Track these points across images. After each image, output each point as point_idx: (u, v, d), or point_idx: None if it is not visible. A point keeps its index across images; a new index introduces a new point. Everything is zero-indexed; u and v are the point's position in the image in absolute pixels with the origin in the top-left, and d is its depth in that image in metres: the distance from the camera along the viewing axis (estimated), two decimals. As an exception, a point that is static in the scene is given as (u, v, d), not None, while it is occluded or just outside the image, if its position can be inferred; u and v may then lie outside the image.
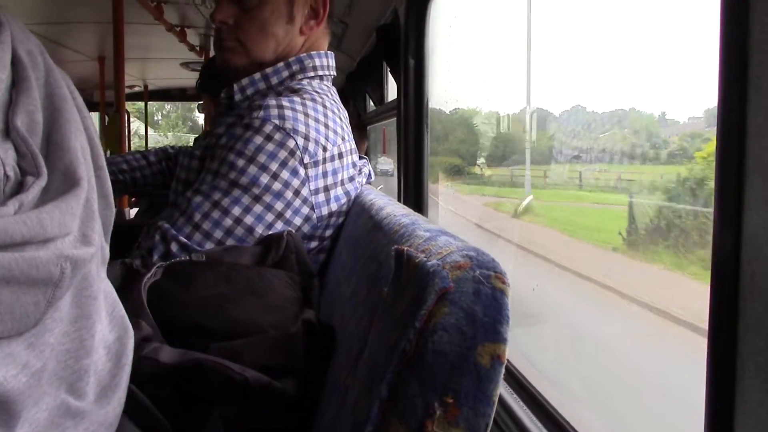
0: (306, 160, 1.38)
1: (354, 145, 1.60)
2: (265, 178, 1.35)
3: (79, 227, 0.66)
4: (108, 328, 0.74)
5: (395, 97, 2.34)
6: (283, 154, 1.36)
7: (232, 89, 1.57)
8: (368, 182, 1.76)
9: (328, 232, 1.48)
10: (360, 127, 3.05)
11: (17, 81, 0.66)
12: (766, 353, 0.59)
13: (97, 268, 0.71)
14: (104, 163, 0.75)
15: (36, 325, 0.60)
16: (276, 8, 1.56)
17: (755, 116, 0.62)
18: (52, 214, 0.60)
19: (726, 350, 0.63)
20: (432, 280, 0.60)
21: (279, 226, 1.37)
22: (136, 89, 6.68)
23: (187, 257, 1.29)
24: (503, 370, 0.57)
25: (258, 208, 1.35)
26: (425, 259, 0.64)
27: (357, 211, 1.37)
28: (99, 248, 0.69)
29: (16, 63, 0.66)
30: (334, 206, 1.45)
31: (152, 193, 2.35)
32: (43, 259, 0.58)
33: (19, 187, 0.62)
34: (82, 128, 0.72)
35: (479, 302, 0.57)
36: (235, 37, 1.58)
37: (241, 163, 1.35)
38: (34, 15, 3.60)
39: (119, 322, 0.77)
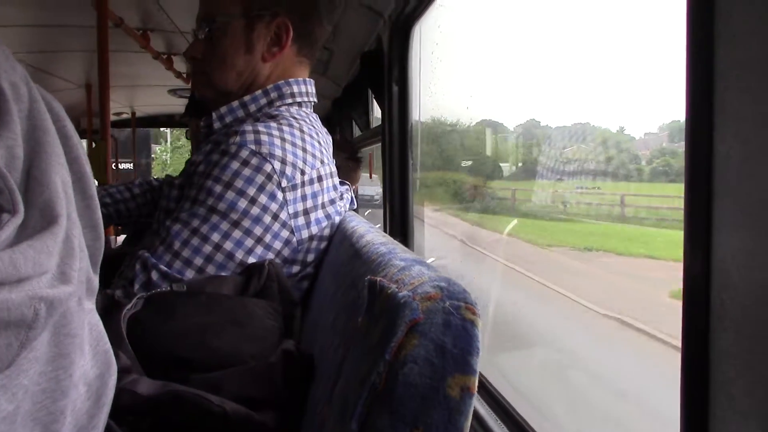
0: (284, 183, 1.38)
1: (334, 169, 1.60)
2: (243, 204, 1.35)
3: (58, 265, 0.64)
4: (90, 364, 0.73)
5: (380, 122, 2.35)
6: (260, 178, 1.36)
7: (211, 117, 1.57)
8: (352, 209, 1.76)
9: (310, 257, 1.47)
10: (354, 159, 3.05)
11: None
12: (737, 383, 0.59)
13: (79, 303, 0.69)
14: (94, 192, 0.74)
15: (9, 367, 0.59)
16: (234, 40, 1.58)
17: (721, 141, 0.62)
18: (26, 254, 0.59)
19: (698, 380, 0.63)
20: (402, 311, 0.59)
21: (259, 251, 1.36)
22: (124, 116, 6.66)
23: (169, 286, 1.28)
24: (473, 402, 0.56)
25: (237, 234, 1.35)
26: (397, 289, 0.64)
27: (339, 238, 1.37)
28: (81, 284, 0.68)
29: None
30: (314, 229, 1.45)
31: (137, 222, 2.35)
32: (16, 302, 0.56)
33: None
34: (65, 162, 0.70)
35: (449, 333, 0.57)
36: (201, 69, 1.63)
37: (218, 189, 1.35)
38: (22, 44, 3.61)
39: (102, 357, 0.76)
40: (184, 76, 4.56)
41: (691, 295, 0.65)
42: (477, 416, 1.25)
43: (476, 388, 0.57)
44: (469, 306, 0.59)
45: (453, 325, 0.58)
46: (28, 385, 0.62)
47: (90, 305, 0.73)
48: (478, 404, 1.26)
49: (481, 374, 0.59)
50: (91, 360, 0.73)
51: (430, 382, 0.56)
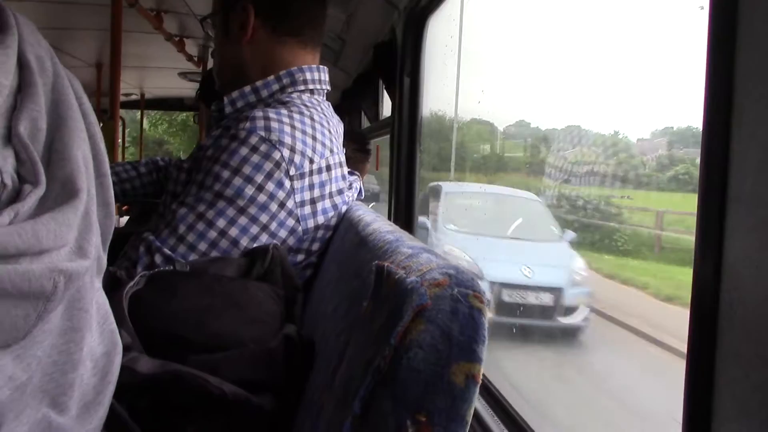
0: (292, 172, 1.38)
1: (344, 159, 1.59)
2: (250, 190, 1.34)
3: (76, 239, 0.64)
4: (97, 341, 0.73)
5: (389, 114, 2.35)
6: (268, 165, 1.35)
7: (223, 102, 1.57)
8: (359, 199, 1.75)
9: (315, 246, 1.47)
10: (364, 150, 3.04)
11: (23, 86, 0.64)
12: (743, 383, 0.59)
13: (91, 280, 0.69)
14: (108, 171, 0.74)
15: (25, 338, 0.59)
16: (218, 32, 1.67)
17: (738, 144, 0.62)
18: (48, 226, 0.59)
19: (703, 379, 0.63)
20: (409, 297, 0.59)
21: (264, 238, 1.36)
22: (133, 97, 6.66)
23: (171, 267, 1.28)
24: (477, 390, 0.56)
25: (243, 220, 1.34)
26: (405, 275, 0.64)
27: (345, 226, 1.37)
28: (95, 260, 0.68)
29: (23, 67, 0.65)
30: (321, 219, 1.44)
31: (143, 202, 2.34)
32: (36, 273, 0.57)
33: (16, 196, 0.60)
34: (86, 137, 0.70)
35: (456, 321, 0.57)
36: None
37: (226, 174, 1.35)
38: (34, 20, 3.58)
39: (108, 336, 0.76)
40: (195, 59, 4.55)
41: (700, 296, 0.65)
42: (476, 415, 1.24)
43: (481, 377, 0.56)
44: (477, 294, 0.59)
45: (460, 312, 0.57)
46: (41, 356, 0.62)
47: (98, 284, 0.73)
48: (477, 404, 1.26)
49: (484, 375, 0.59)
50: (98, 338, 0.73)
51: (435, 368, 0.55)
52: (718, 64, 0.65)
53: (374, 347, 0.60)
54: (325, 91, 1.65)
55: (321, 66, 1.63)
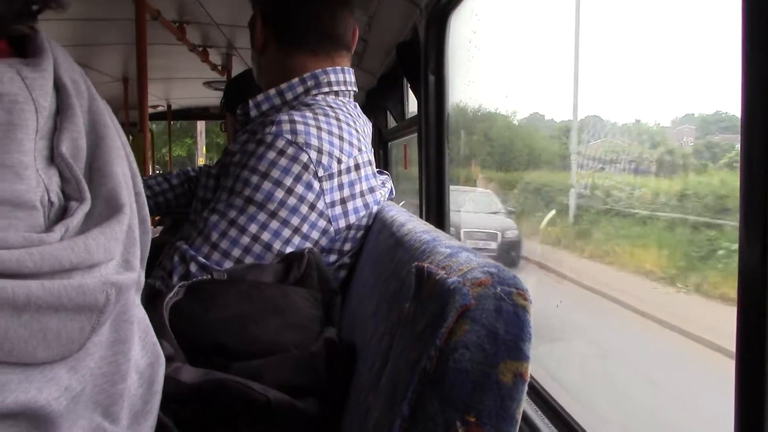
0: (320, 173, 1.38)
1: (372, 157, 1.59)
2: (279, 194, 1.35)
3: (122, 253, 0.66)
4: (140, 354, 0.75)
5: (415, 112, 2.34)
6: (296, 168, 1.36)
7: (248, 105, 1.58)
8: (390, 198, 1.75)
9: (347, 246, 1.47)
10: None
11: (62, 108, 0.66)
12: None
13: (134, 294, 0.71)
14: (142, 188, 0.76)
15: (79, 350, 0.61)
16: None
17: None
18: (97, 240, 0.61)
19: (754, 368, 0.62)
20: (452, 297, 0.59)
21: (296, 240, 1.36)
22: (160, 109, 6.73)
23: (209, 276, 1.29)
24: (526, 389, 0.56)
25: (274, 224, 1.35)
26: (446, 275, 0.64)
27: (378, 227, 1.37)
28: (139, 274, 0.70)
29: (60, 90, 0.67)
30: (352, 218, 1.45)
31: (176, 213, 2.37)
32: (90, 286, 0.58)
33: (63, 213, 0.62)
34: (124, 155, 0.72)
35: (501, 319, 0.56)
36: None
37: (255, 179, 1.36)
38: (61, 37, 3.65)
39: (151, 349, 0.78)
40: (219, 68, 4.58)
41: (747, 288, 0.64)
42: (525, 418, 1.23)
43: (528, 375, 0.56)
44: (520, 292, 0.58)
45: (505, 311, 0.57)
46: (93, 367, 0.63)
47: (138, 298, 0.74)
48: (526, 405, 1.25)
49: (531, 376, 0.58)
50: (140, 351, 0.74)
51: (482, 367, 0.55)
52: (755, 41, 0.64)
53: (419, 349, 0.60)
54: (351, 92, 1.65)
55: (347, 68, 1.63)
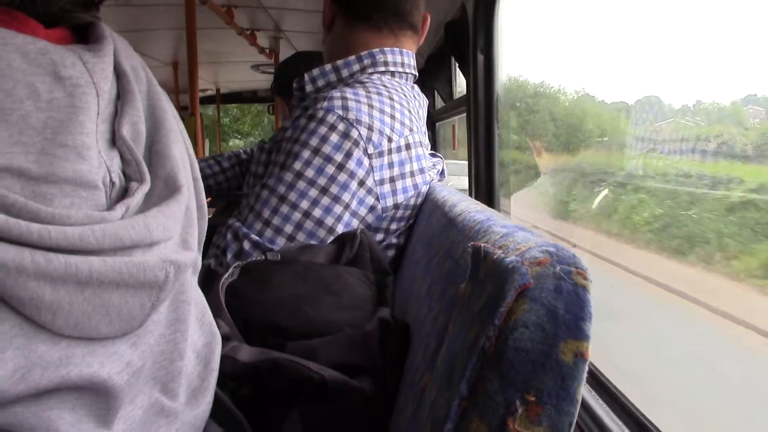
0: (370, 150, 1.39)
1: (425, 139, 1.59)
2: (330, 169, 1.36)
3: (180, 233, 0.68)
4: (197, 334, 0.77)
5: (464, 93, 2.33)
6: (347, 144, 1.37)
7: (303, 80, 1.59)
8: (441, 179, 1.75)
9: (394, 225, 1.47)
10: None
11: (122, 93, 0.69)
12: None
13: (191, 274, 0.73)
14: (199, 174, 0.78)
15: (140, 326, 0.63)
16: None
17: None
18: (156, 219, 0.63)
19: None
20: (511, 277, 0.58)
21: (346, 217, 1.37)
22: (209, 93, 6.80)
23: (261, 255, 1.30)
24: (586, 368, 0.55)
25: (326, 201, 1.36)
26: (503, 255, 0.63)
27: (429, 207, 1.37)
28: (197, 254, 0.72)
29: (120, 76, 0.69)
30: (400, 198, 1.45)
31: (227, 195, 2.40)
32: (150, 263, 0.61)
33: (124, 193, 0.65)
34: (182, 139, 0.75)
35: (560, 299, 0.56)
36: None
37: (306, 154, 1.37)
38: (111, 23, 3.70)
39: (208, 329, 0.80)
40: (267, 51, 4.60)
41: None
42: (586, 406, 1.22)
43: (589, 355, 0.56)
44: (580, 271, 0.58)
45: (564, 290, 0.56)
46: (152, 344, 0.66)
47: (195, 280, 0.76)
48: (587, 394, 1.23)
49: (590, 363, 0.57)
50: (197, 331, 0.76)
51: (542, 347, 0.55)
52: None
53: (477, 328, 0.60)
54: (410, 75, 1.64)
55: (406, 50, 1.63)
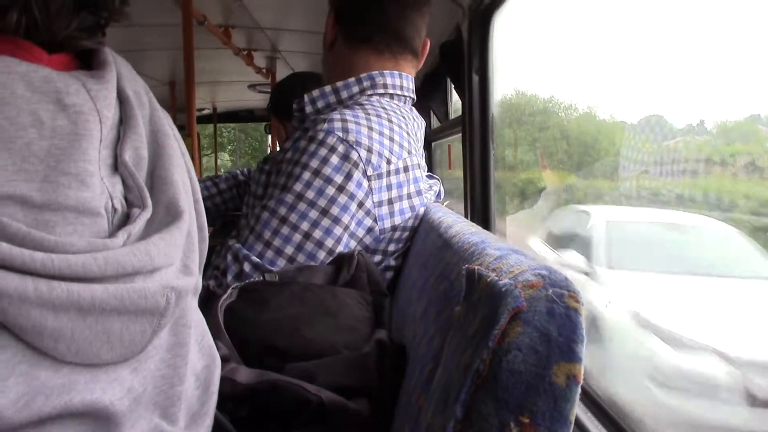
0: (369, 172, 1.40)
1: (423, 161, 1.60)
2: (330, 191, 1.37)
3: (182, 258, 0.69)
4: (197, 357, 0.77)
5: (459, 113, 2.34)
6: (347, 166, 1.38)
7: (303, 100, 1.60)
8: (437, 201, 1.76)
9: (392, 247, 1.48)
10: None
11: (124, 118, 0.69)
12: None
13: (192, 298, 0.74)
14: (200, 197, 0.79)
15: (140, 352, 0.63)
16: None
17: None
18: (158, 245, 0.64)
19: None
20: (504, 299, 0.60)
21: (345, 238, 1.38)
22: (205, 112, 6.82)
23: (260, 276, 1.31)
24: (579, 390, 0.56)
25: (326, 222, 1.37)
26: (497, 278, 0.65)
27: (425, 228, 1.38)
28: (197, 278, 0.72)
29: (123, 102, 0.70)
30: (398, 219, 1.46)
31: (224, 215, 2.41)
32: (152, 290, 0.61)
33: (126, 219, 0.65)
34: (183, 163, 0.76)
35: (553, 321, 0.57)
36: None
37: (306, 176, 1.38)
38: (108, 43, 3.72)
39: (207, 351, 0.80)
40: (264, 71, 4.63)
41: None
42: (580, 426, 1.23)
43: (582, 377, 0.57)
44: (572, 294, 0.59)
45: (557, 313, 0.58)
46: (153, 369, 0.66)
47: (195, 303, 0.77)
48: (579, 411, 1.24)
49: (584, 383, 0.59)
50: (197, 353, 0.77)
51: (535, 369, 0.56)
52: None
53: (471, 350, 0.61)
54: (408, 98, 1.66)
55: (405, 74, 1.64)
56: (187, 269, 0.70)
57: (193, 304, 0.76)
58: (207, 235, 0.81)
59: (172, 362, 0.70)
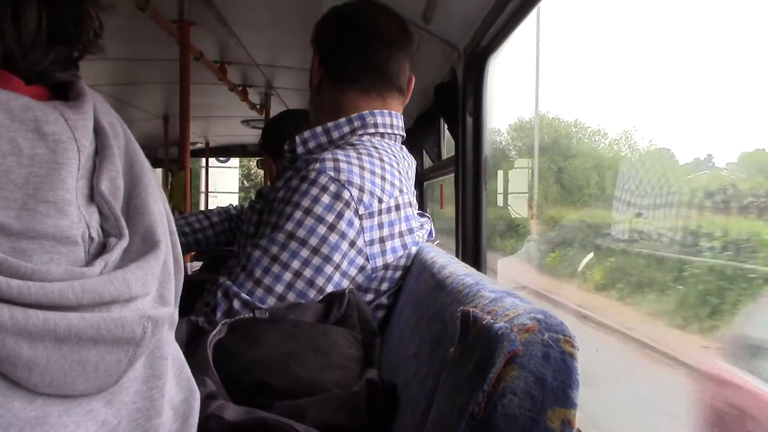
0: (361, 211, 1.40)
1: (414, 199, 1.61)
2: (321, 230, 1.37)
3: (158, 288, 0.69)
4: (175, 390, 0.76)
5: (452, 153, 2.36)
6: (338, 205, 1.38)
7: (295, 141, 1.61)
8: (429, 240, 1.76)
9: (384, 286, 1.48)
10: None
11: (100, 149, 0.70)
12: None
13: (168, 330, 0.73)
14: (175, 228, 0.79)
15: (115, 384, 0.62)
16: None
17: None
18: (135, 274, 0.64)
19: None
20: (500, 343, 0.60)
21: (336, 277, 1.38)
22: (198, 146, 6.85)
23: (250, 314, 1.30)
24: (574, 436, 0.56)
25: (317, 261, 1.37)
26: (492, 321, 0.65)
27: (418, 268, 1.38)
28: (174, 309, 0.72)
29: (99, 132, 0.71)
30: (389, 258, 1.46)
31: (215, 250, 2.41)
32: (128, 319, 0.61)
33: (103, 248, 0.65)
34: (160, 194, 0.76)
35: (549, 366, 0.57)
36: None
37: (298, 215, 1.38)
38: (104, 76, 3.75)
39: (186, 384, 0.79)
40: (258, 107, 4.66)
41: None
42: None
43: (576, 422, 0.56)
44: (567, 339, 0.59)
45: (552, 357, 0.58)
46: (128, 402, 0.65)
47: (172, 335, 0.76)
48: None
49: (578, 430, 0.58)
50: (175, 386, 0.76)
51: (530, 414, 0.56)
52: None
53: (466, 393, 0.61)
54: (398, 136, 1.67)
55: (394, 112, 1.65)
56: (164, 299, 0.69)
57: (170, 336, 0.75)
58: (183, 266, 0.80)
59: (148, 395, 0.69)
